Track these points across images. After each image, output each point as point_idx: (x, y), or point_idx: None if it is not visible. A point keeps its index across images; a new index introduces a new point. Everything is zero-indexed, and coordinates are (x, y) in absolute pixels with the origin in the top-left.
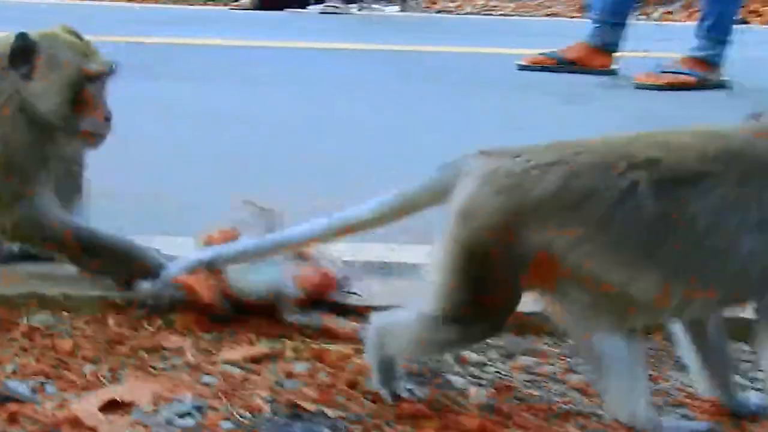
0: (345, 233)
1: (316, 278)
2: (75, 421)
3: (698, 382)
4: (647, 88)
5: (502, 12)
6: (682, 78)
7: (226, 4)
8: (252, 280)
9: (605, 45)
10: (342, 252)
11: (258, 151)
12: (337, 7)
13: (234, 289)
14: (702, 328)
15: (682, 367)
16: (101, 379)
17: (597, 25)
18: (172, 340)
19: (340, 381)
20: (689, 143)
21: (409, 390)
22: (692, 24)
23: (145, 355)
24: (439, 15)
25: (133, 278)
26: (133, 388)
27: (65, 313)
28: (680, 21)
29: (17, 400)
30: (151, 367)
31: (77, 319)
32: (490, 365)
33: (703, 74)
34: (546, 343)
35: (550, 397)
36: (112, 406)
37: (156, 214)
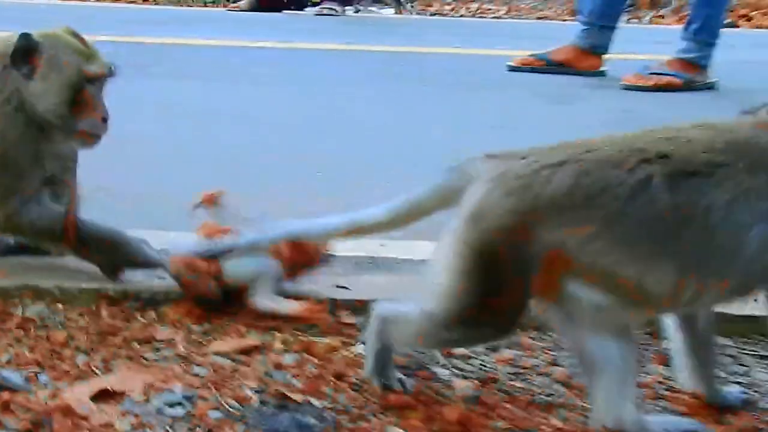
0: (354, 234)
1: (296, 253)
2: (67, 410)
3: (682, 374)
4: (634, 89)
5: (495, 15)
6: (669, 79)
7: (224, 6)
8: (239, 266)
9: (594, 47)
10: (332, 246)
11: (257, 150)
12: (333, 9)
13: (227, 277)
14: (694, 321)
15: (663, 360)
16: (94, 369)
17: (586, 28)
18: (164, 332)
19: (327, 372)
20: (697, 137)
21: (399, 380)
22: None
23: (137, 346)
24: (433, 18)
25: (121, 268)
26: (125, 378)
27: (59, 305)
28: (671, 25)
29: (10, 389)
30: (142, 357)
31: (71, 311)
32: (475, 358)
33: (690, 76)
34: (531, 337)
35: (533, 389)
36: (103, 396)
37: (155, 213)
